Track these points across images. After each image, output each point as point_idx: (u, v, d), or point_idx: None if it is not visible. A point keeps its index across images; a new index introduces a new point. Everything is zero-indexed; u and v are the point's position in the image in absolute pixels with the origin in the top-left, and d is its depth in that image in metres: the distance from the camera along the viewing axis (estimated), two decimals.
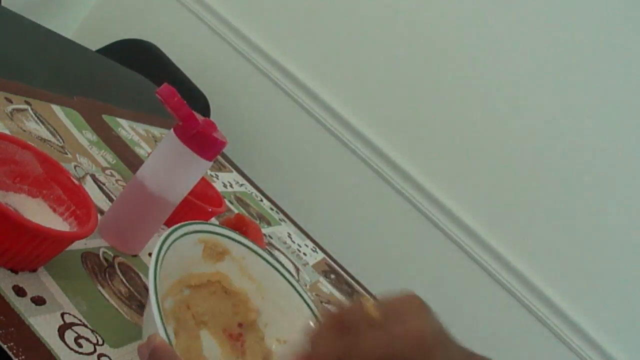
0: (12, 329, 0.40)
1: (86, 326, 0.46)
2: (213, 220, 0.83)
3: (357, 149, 1.67)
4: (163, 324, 0.40)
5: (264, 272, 0.60)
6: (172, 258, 0.49)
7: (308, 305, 0.60)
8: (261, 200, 1.15)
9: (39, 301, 0.44)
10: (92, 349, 0.44)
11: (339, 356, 0.42)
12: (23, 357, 0.38)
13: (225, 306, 0.58)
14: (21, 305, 0.42)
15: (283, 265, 0.61)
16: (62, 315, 0.45)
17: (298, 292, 0.60)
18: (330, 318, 0.43)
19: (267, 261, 0.60)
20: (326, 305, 0.88)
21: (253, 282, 0.59)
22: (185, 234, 0.52)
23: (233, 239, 0.58)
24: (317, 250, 1.13)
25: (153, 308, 0.40)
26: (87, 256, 0.53)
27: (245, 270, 0.59)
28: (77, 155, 0.69)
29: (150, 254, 0.63)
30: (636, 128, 1.48)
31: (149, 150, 0.90)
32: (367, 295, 0.45)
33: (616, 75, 1.49)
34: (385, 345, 0.41)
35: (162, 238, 0.48)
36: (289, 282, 0.61)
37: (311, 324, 0.58)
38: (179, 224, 0.52)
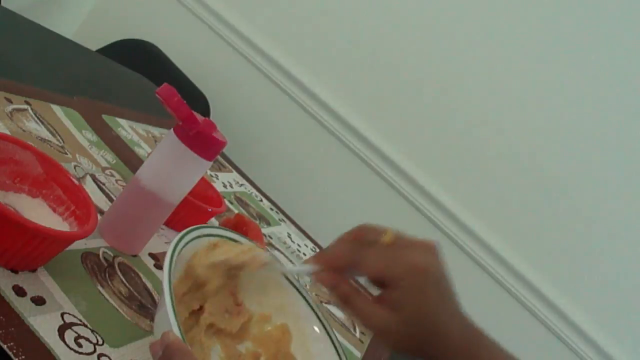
0: (12, 329, 0.40)
1: (86, 326, 0.46)
2: (213, 220, 0.83)
3: (357, 149, 1.67)
4: (177, 321, 0.40)
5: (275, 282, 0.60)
6: (183, 258, 0.49)
7: (317, 315, 0.60)
8: (261, 200, 1.15)
9: (39, 301, 0.44)
10: (92, 349, 0.44)
11: (347, 261, 0.49)
12: (23, 357, 0.38)
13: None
14: (21, 305, 0.42)
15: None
16: (62, 315, 0.45)
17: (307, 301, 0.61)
18: (350, 231, 0.50)
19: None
20: (326, 304, 0.88)
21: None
22: (199, 236, 0.53)
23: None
24: (317, 250, 1.13)
25: (167, 306, 0.40)
26: (87, 256, 0.53)
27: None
28: (77, 155, 0.69)
29: (150, 254, 0.63)
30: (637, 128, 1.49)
31: (149, 150, 0.90)
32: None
33: (618, 75, 1.49)
34: (385, 264, 0.47)
35: (178, 237, 0.49)
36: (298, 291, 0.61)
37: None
38: (194, 226, 0.52)
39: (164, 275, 0.43)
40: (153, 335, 0.45)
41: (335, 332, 0.61)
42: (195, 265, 0.52)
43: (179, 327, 0.40)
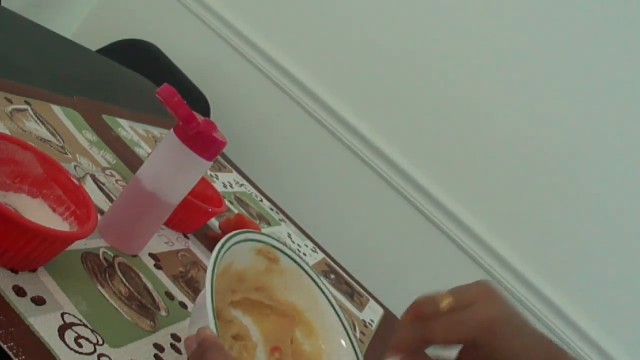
0: (12, 329, 0.40)
1: (86, 326, 0.46)
2: (213, 220, 0.83)
3: (356, 149, 1.67)
4: (215, 318, 0.41)
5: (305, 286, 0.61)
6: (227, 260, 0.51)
7: (342, 323, 0.61)
8: (261, 200, 1.15)
9: (39, 301, 0.44)
10: (92, 349, 0.44)
11: (418, 342, 0.48)
12: (23, 357, 0.38)
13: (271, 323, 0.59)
14: (21, 305, 0.42)
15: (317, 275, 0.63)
16: (62, 315, 0.45)
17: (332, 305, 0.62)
18: (407, 311, 0.49)
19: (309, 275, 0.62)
20: None
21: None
22: (244, 240, 0.54)
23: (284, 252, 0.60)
24: (317, 250, 1.13)
25: (207, 303, 0.41)
26: (87, 256, 0.53)
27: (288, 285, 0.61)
28: (77, 155, 0.69)
29: (150, 254, 0.63)
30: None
31: (149, 150, 0.90)
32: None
33: (620, 74, 1.49)
34: (458, 328, 0.45)
35: (225, 238, 0.50)
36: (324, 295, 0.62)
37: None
38: (243, 230, 0.54)
39: (207, 274, 0.44)
40: (187, 330, 0.46)
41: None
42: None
43: (215, 324, 0.40)
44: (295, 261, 0.61)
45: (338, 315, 0.62)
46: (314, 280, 0.62)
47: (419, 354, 0.48)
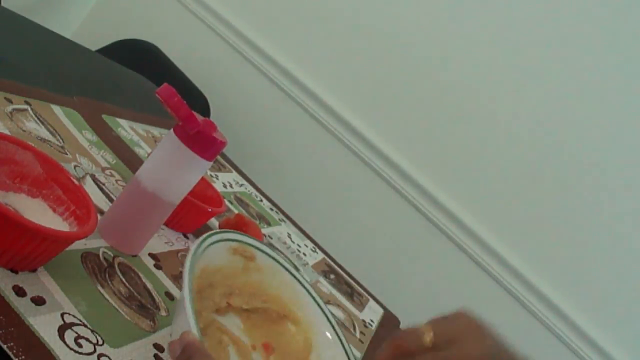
0: (12, 329, 0.40)
1: (86, 326, 0.46)
2: (213, 220, 0.83)
3: (356, 149, 1.67)
4: (196, 322, 0.40)
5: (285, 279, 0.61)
6: (202, 262, 0.50)
7: (326, 315, 0.61)
8: (261, 201, 1.15)
9: (39, 301, 0.44)
10: (92, 349, 0.44)
11: None
12: (23, 357, 0.38)
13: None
14: (21, 305, 0.42)
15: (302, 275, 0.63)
16: (62, 315, 0.45)
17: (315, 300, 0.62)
18: (389, 345, 0.46)
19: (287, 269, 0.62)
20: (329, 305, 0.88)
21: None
22: (218, 241, 0.53)
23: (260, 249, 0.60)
24: (317, 250, 1.13)
25: (187, 307, 0.41)
26: (87, 256, 0.53)
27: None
28: (77, 155, 0.69)
29: (150, 254, 0.63)
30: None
31: (149, 150, 0.90)
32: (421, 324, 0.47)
33: (620, 74, 1.49)
34: None
35: (200, 240, 0.50)
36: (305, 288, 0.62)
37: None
38: (215, 231, 0.53)
39: (184, 277, 0.44)
40: (170, 335, 0.46)
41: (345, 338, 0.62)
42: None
43: (197, 327, 0.40)
44: (272, 257, 0.61)
45: (321, 308, 0.62)
46: (294, 275, 0.62)
47: None
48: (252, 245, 0.59)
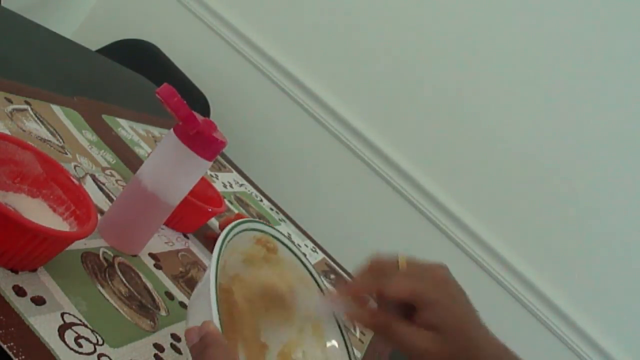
0: (12, 329, 0.40)
1: (86, 326, 0.46)
2: (213, 220, 0.83)
3: (356, 149, 1.67)
4: (219, 312, 0.39)
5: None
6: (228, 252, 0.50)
7: (340, 330, 0.60)
8: (261, 201, 1.15)
9: (39, 301, 0.44)
10: (92, 349, 0.44)
11: (373, 289, 0.51)
12: (23, 357, 0.38)
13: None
14: (21, 305, 0.42)
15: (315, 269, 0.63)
16: (62, 315, 0.45)
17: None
18: (368, 263, 0.53)
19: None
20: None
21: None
22: (245, 230, 0.54)
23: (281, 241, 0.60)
24: (317, 250, 1.13)
25: (212, 296, 0.40)
26: (87, 256, 0.53)
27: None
28: (77, 155, 0.69)
29: (150, 254, 0.63)
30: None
31: (149, 150, 0.90)
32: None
33: (621, 75, 1.49)
34: (414, 282, 0.49)
35: (228, 228, 0.50)
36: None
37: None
38: (245, 219, 0.54)
39: (211, 266, 0.43)
40: (186, 322, 0.45)
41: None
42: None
43: (219, 318, 0.39)
44: (294, 253, 0.61)
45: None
46: (311, 273, 0.62)
47: (364, 301, 0.52)
48: (276, 238, 0.59)
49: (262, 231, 0.57)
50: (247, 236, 0.55)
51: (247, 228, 0.54)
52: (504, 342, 0.52)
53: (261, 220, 0.58)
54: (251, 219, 0.56)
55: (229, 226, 0.50)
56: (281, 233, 0.60)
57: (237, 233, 0.52)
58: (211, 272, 0.42)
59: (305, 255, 0.62)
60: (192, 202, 0.69)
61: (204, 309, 0.40)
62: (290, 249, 0.61)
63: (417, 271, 0.51)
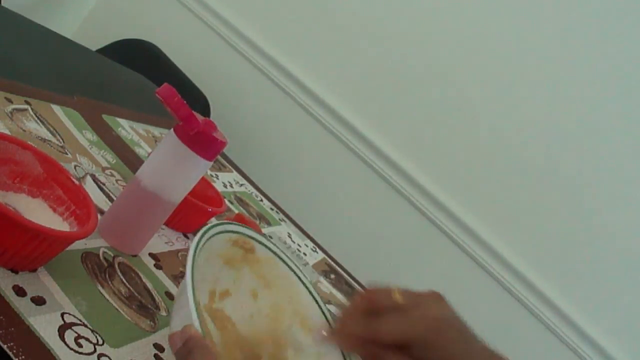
0: (12, 329, 0.40)
1: (86, 326, 0.46)
2: (213, 220, 0.83)
3: (357, 149, 1.67)
4: (198, 316, 0.39)
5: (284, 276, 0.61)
6: (203, 254, 0.50)
7: (323, 312, 0.60)
8: (261, 200, 1.15)
9: (39, 301, 0.44)
10: (92, 349, 0.44)
11: (364, 334, 0.48)
12: (23, 357, 0.38)
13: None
14: (21, 305, 0.42)
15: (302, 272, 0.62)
16: (62, 315, 0.45)
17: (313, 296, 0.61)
18: (358, 300, 0.50)
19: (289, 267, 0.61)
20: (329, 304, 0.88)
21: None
22: (220, 232, 0.53)
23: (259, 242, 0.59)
24: (317, 250, 1.13)
25: (190, 301, 0.40)
26: (87, 256, 0.53)
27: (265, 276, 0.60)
28: (77, 155, 0.69)
29: (150, 254, 0.63)
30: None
31: (149, 150, 0.90)
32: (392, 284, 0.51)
33: (622, 75, 1.49)
34: (405, 327, 0.47)
35: (202, 231, 0.49)
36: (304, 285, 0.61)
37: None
38: (216, 223, 0.53)
39: (186, 269, 0.43)
40: (170, 328, 0.45)
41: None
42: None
43: (199, 321, 0.39)
44: (271, 250, 0.60)
45: (317, 304, 0.61)
46: (292, 269, 0.61)
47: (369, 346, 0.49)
48: (252, 238, 0.59)
49: (237, 232, 0.57)
50: (223, 238, 0.54)
51: (222, 230, 0.54)
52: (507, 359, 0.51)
53: (234, 222, 0.57)
54: (224, 221, 0.55)
55: (202, 229, 0.50)
56: (255, 232, 0.60)
57: (212, 236, 0.51)
58: (187, 275, 0.42)
59: (285, 253, 0.62)
60: (192, 202, 0.69)
61: (184, 313, 0.40)
62: (267, 247, 0.60)
63: (412, 310, 0.48)
